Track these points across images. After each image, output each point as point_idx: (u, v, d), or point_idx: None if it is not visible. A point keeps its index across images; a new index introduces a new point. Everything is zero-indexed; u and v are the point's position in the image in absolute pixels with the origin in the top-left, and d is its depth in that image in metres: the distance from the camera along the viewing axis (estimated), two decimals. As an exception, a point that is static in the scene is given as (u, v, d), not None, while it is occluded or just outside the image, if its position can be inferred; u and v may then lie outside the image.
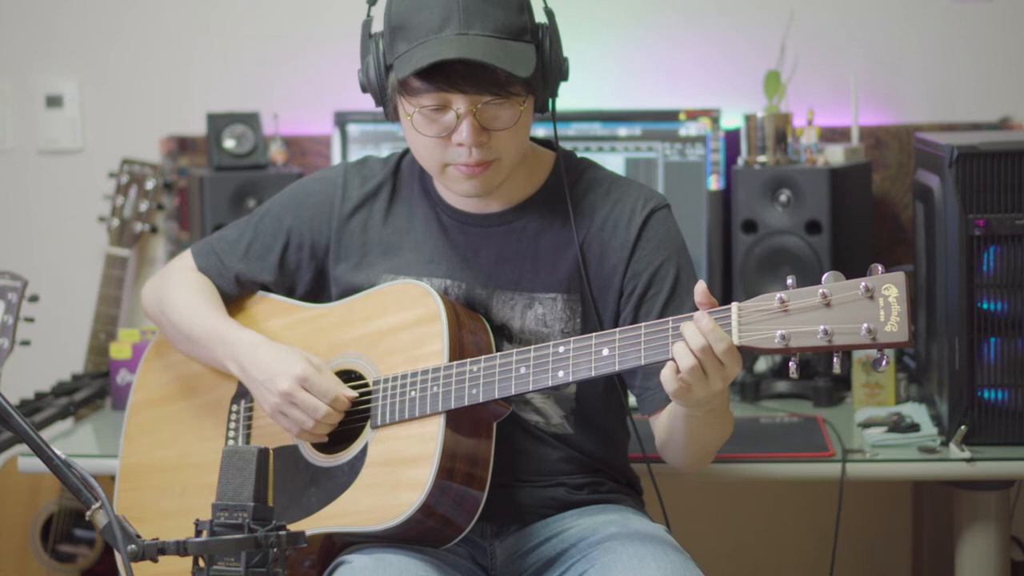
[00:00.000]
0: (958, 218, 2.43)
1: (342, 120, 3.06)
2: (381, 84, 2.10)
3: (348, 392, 2.12)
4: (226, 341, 2.21)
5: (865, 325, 1.78)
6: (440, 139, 2.07)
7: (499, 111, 2.06)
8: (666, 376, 1.89)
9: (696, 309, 1.89)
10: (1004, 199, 2.43)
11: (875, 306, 1.78)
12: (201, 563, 1.63)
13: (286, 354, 2.15)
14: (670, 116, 2.98)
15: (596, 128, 2.99)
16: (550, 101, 2.14)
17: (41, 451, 1.67)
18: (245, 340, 2.20)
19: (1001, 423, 2.45)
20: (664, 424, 2.12)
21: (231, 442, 2.25)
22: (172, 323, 2.30)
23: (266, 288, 2.31)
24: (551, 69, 2.10)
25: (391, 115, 2.14)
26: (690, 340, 1.86)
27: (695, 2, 3.18)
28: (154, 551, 1.60)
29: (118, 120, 3.31)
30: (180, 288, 2.30)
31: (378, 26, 2.12)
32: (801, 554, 3.25)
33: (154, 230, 3.24)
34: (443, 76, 2.02)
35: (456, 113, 2.04)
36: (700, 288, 1.89)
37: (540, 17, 2.12)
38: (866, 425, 2.59)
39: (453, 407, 2.04)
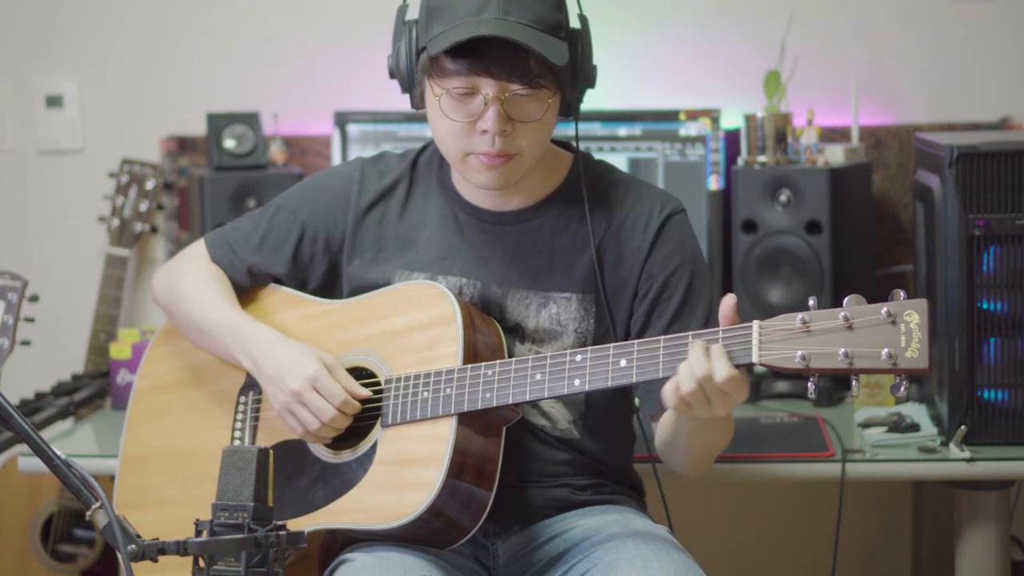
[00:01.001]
0: (958, 218, 2.43)
1: (342, 120, 3.06)
2: (411, 68, 2.11)
3: (360, 392, 2.12)
4: (238, 334, 2.21)
5: (886, 350, 1.78)
6: (465, 125, 2.07)
7: (526, 103, 2.06)
8: (668, 391, 1.91)
9: (709, 320, 1.90)
10: (1004, 199, 2.43)
11: (896, 331, 1.79)
12: (201, 563, 1.63)
13: (299, 352, 2.14)
14: (670, 116, 2.98)
15: (596, 128, 2.99)
16: (574, 106, 2.14)
17: (41, 451, 1.67)
18: (258, 334, 2.20)
19: (1001, 423, 2.45)
20: (666, 427, 2.12)
21: (238, 433, 2.24)
22: (183, 312, 2.30)
23: (278, 281, 2.31)
24: (581, 73, 2.12)
25: (417, 101, 2.14)
26: (695, 366, 1.87)
27: (695, 2, 3.18)
28: (154, 551, 1.60)
29: (118, 120, 3.31)
30: (192, 278, 2.30)
31: (413, 14, 2.13)
32: (802, 554, 3.25)
33: (154, 230, 3.24)
34: (476, 58, 2.03)
35: (484, 99, 2.05)
36: (729, 302, 1.90)
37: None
38: (866, 425, 2.59)
39: (466, 410, 2.04)
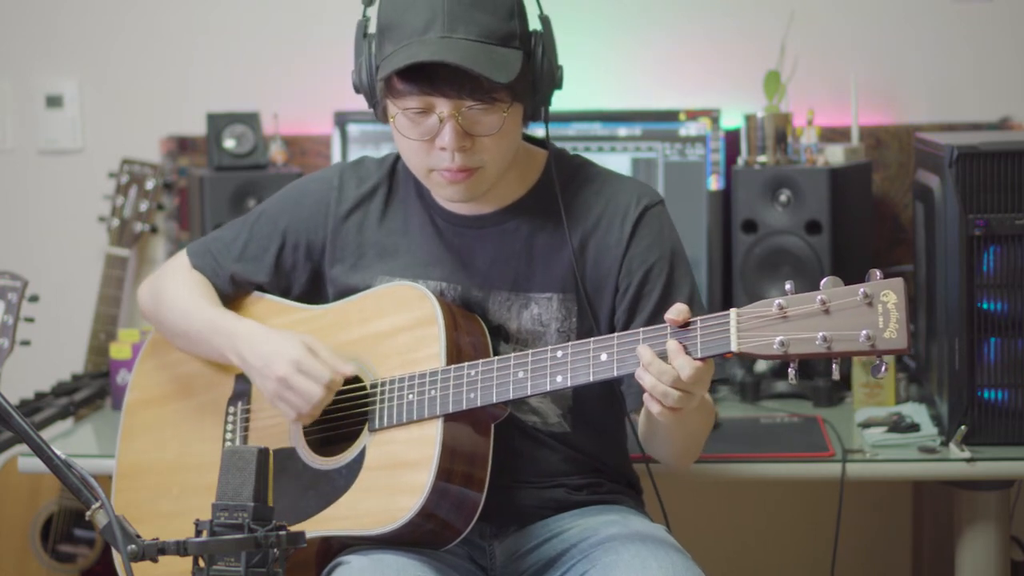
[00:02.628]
0: (958, 218, 2.43)
1: (342, 120, 3.07)
2: (371, 85, 2.10)
3: (344, 369, 2.12)
4: (223, 331, 2.21)
5: (864, 332, 1.78)
6: (424, 143, 2.06)
7: (482, 116, 2.04)
8: (653, 410, 1.91)
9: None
10: (1004, 199, 2.43)
11: (874, 312, 1.78)
12: (201, 563, 1.63)
13: (281, 338, 2.14)
14: (670, 116, 2.98)
15: (596, 128, 2.99)
16: (542, 109, 2.12)
17: (41, 451, 1.67)
18: (241, 329, 2.20)
19: (1001, 423, 2.45)
20: (644, 418, 2.12)
21: (228, 444, 2.24)
22: (169, 320, 2.30)
23: (261, 288, 2.31)
24: (542, 77, 2.09)
25: (380, 116, 2.14)
26: (661, 376, 1.87)
27: (695, 2, 3.18)
28: (154, 551, 1.60)
29: (118, 120, 3.31)
30: (176, 285, 2.30)
31: (374, 28, 2.12)
32: (801, 554, 3.25)
33: (154, 230, 3.24)
34: (426, 78, 2.01)
35: (439, 117, 2.03)
36: (679, 308, 1.90)
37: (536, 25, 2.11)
38: (866, 425, 2.59)
39: (451, 411, 2.04)
